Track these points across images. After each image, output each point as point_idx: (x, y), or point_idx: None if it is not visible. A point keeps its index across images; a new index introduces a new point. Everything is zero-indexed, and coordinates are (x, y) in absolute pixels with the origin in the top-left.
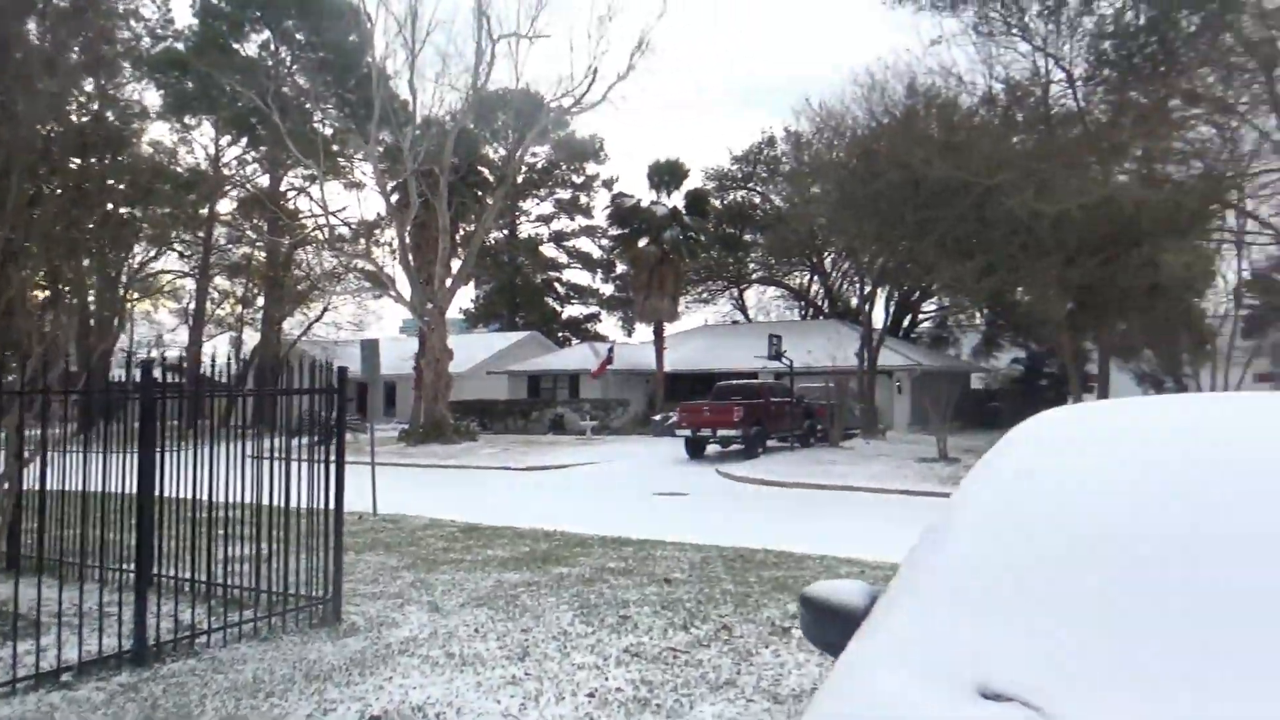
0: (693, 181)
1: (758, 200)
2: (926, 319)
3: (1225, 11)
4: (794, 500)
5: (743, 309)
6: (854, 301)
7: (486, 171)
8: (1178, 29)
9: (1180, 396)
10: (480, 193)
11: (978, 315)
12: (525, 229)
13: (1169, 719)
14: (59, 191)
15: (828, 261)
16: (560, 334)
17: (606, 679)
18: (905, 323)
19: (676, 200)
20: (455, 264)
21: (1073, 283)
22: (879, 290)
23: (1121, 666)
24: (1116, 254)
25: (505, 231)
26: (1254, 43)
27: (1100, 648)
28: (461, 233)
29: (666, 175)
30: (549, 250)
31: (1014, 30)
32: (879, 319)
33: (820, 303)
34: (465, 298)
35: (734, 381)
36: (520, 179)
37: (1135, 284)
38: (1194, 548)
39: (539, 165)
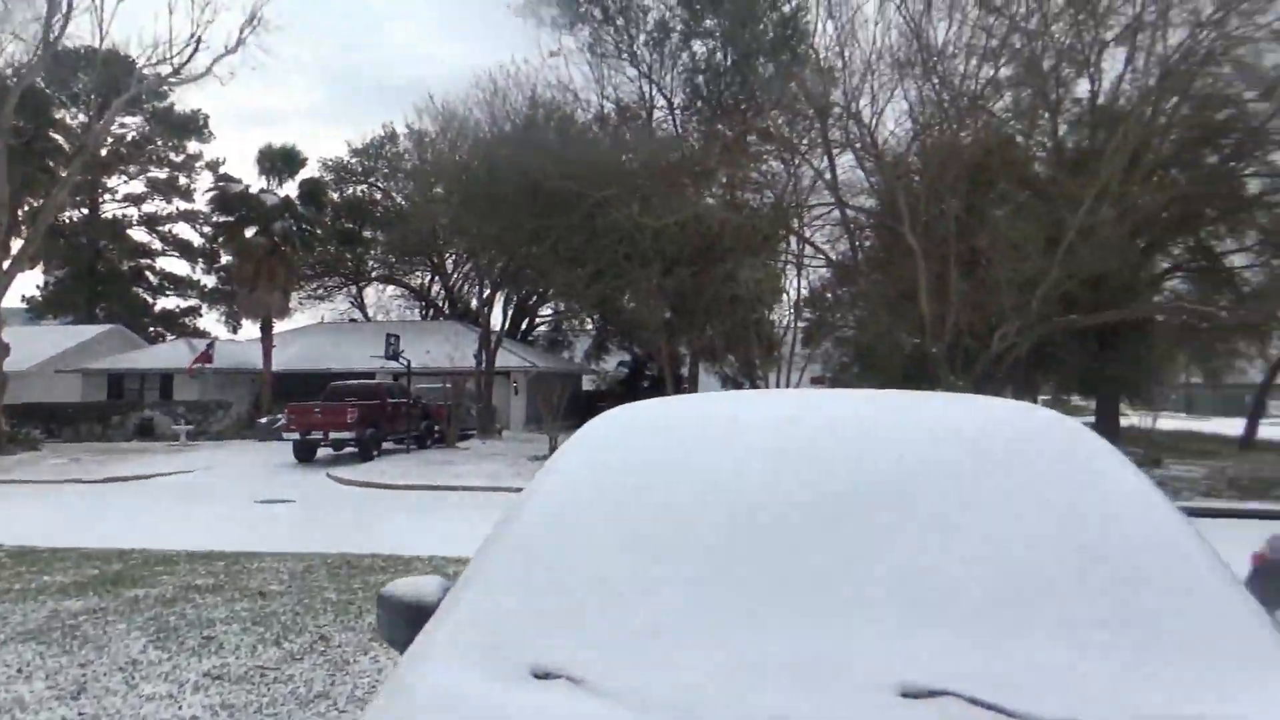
0: (309, 171)
1: (379, 196)
2: (543, 322)
3: (793, 64)
4: (409, 503)
5: (361, 307)
6: (474, 303)
7: (62, 139)
8: (756, 74)
9: (718, 393)
10: (52, 163)
11: (589, 320)
12: (110, 209)
13: (696, 674)
14: None
15: (449, 262)
16: (152, 329)
17: (181, 708)
18: (523, 325)
19: (290, 189)
20: (16, 244)
21: (670, 291)
22: (498, 293)
23: (654, 630)
24: (706, 269)
25: (84, 210)
26: (813, 94)
27: (635, 616)
28: (27, 207)
29: (280, 162)
30: (139, 234)
31: (624, 55)
32: (498, 321)
33: (441, 303)
34: (30, 283)
35: (349, 382)
36: (105, 151)
37: (719, 295)
38: (719, 514)
39: (130, 138)
